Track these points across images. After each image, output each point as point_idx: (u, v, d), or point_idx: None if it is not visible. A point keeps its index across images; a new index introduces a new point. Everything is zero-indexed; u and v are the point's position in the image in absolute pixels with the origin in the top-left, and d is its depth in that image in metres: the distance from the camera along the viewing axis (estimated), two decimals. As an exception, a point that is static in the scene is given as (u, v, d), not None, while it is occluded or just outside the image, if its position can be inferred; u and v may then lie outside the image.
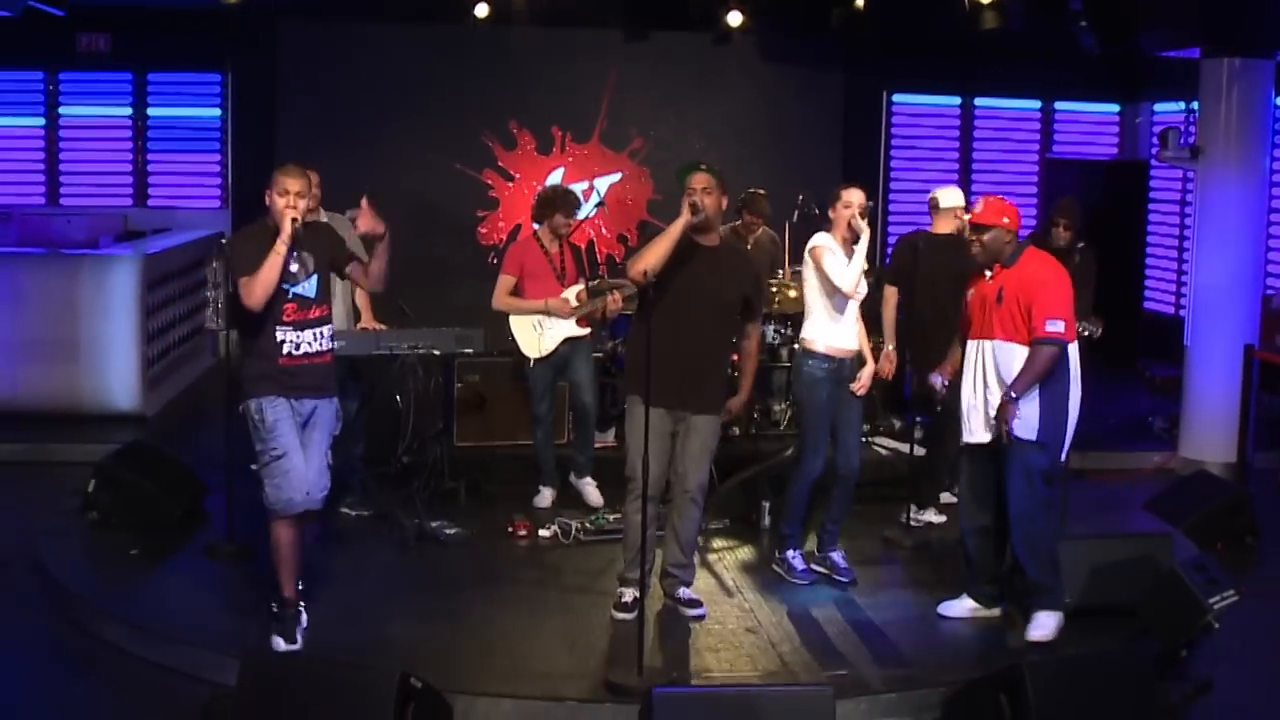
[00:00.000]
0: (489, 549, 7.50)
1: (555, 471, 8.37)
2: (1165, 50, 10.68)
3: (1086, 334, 7.37)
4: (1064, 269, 6.32)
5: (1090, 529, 7.71)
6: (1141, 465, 10.03)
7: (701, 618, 6.45)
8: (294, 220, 5.71)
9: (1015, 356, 6.13)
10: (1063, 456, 6.35)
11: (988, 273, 6.27)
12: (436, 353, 7.72)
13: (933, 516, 8.13)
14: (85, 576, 6.87)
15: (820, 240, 6.96)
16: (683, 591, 6.57)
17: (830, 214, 6.98)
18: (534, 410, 8.25)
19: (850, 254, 6.86)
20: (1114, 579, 6.55)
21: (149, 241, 11.56)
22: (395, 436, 8.47)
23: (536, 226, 8.31)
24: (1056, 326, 6.04)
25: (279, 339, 5.83)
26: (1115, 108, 14.58)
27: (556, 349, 8.14)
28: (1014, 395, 6.06)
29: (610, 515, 7.79)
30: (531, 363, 8.13)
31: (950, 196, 8.14)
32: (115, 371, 10.05)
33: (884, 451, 9.11)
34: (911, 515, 7.96)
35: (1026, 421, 6.12)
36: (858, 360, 7.05)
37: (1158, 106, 13.99)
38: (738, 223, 9.68)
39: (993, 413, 6.18)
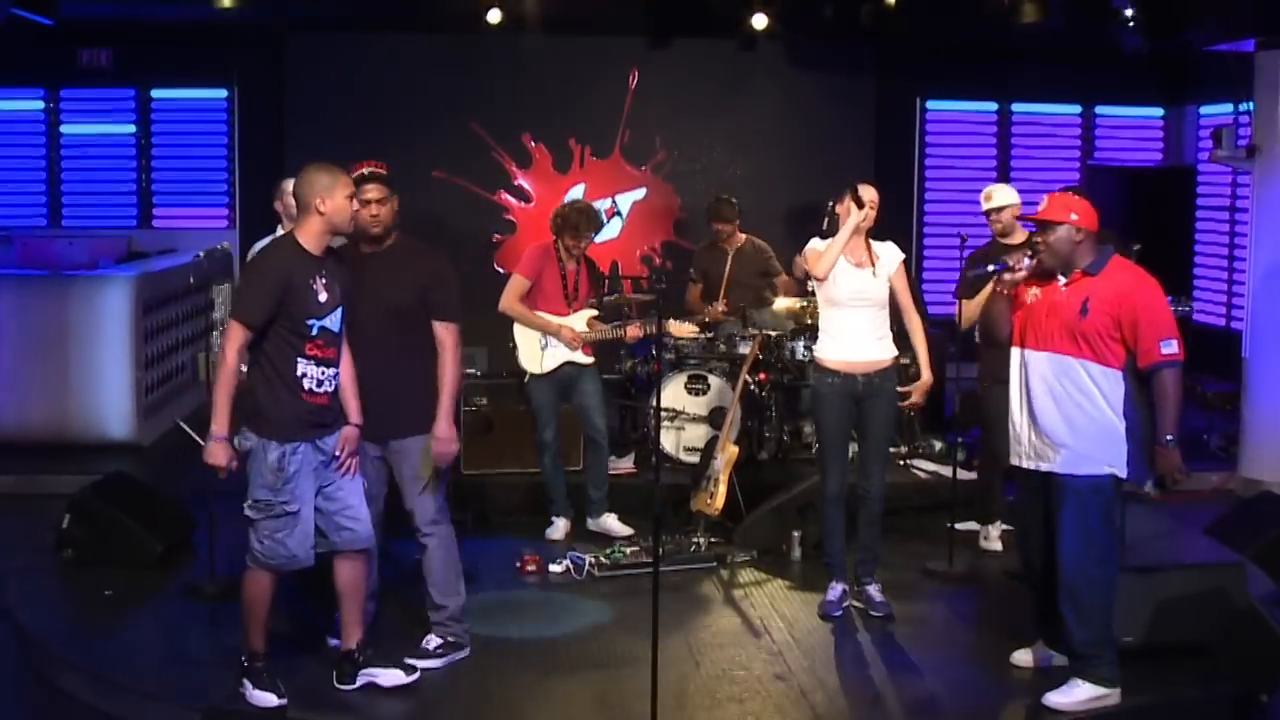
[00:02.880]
0: (495, 587, 6.93)
1: (568, 501, 7.82)
2: (1216, 44, 10.11)
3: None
4: (1157, 281, 5.49)
5: (1152, 558, 7.09)
6: (1199, 486, 9.38)
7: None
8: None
9: (1080, 376, 5.36)
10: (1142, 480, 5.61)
11: (1061, 279, 5.43)
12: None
13: (995, 544, 7.51)
14: (51, 620, 6.33)
15: (809, 245, 6.56)
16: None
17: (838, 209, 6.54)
18: (539, 436, 7.75)
19: (869, 257, 6.43)
20: (1183, 615, 5.91)
21: (147, 262, 11.09)
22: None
23: (556, 239, 7.81)
24: (1171, 347, 5.29)
25: (300, 373, 5.20)
26: (1159, 111, 13.97)
27: (558, 369, 7.69)
28: (1170, 439, 5.32)
29: (628, 548, 7.23)
30: (528, 376, 7.69)
31: (994, 196, 7.53)
32: (108, 398, 9.54)
33: (923, 475, 8.51)
34: (980, 537, 7.53)
35: (1082, 455, 5.36)
36: (887, 375, 6.46)
37: (1204, 109, 13.40)
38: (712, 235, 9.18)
39: (1038, 436, 5.45)
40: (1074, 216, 5.37)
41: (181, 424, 7.39)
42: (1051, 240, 5.40)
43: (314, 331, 5.17)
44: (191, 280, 7.94)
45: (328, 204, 5.20)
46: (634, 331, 7.90)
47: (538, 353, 7.67)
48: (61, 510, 7.28)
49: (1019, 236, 7.35)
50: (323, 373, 5.24)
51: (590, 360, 7.79)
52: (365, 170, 5.63)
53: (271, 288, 5.10)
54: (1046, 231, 5.40)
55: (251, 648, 5.36)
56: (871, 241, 6.49)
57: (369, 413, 5.48)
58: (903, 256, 6.55)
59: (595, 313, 7.83)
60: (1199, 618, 5.85)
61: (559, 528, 7.77)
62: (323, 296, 5.19)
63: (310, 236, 5.22)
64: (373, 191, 5.57)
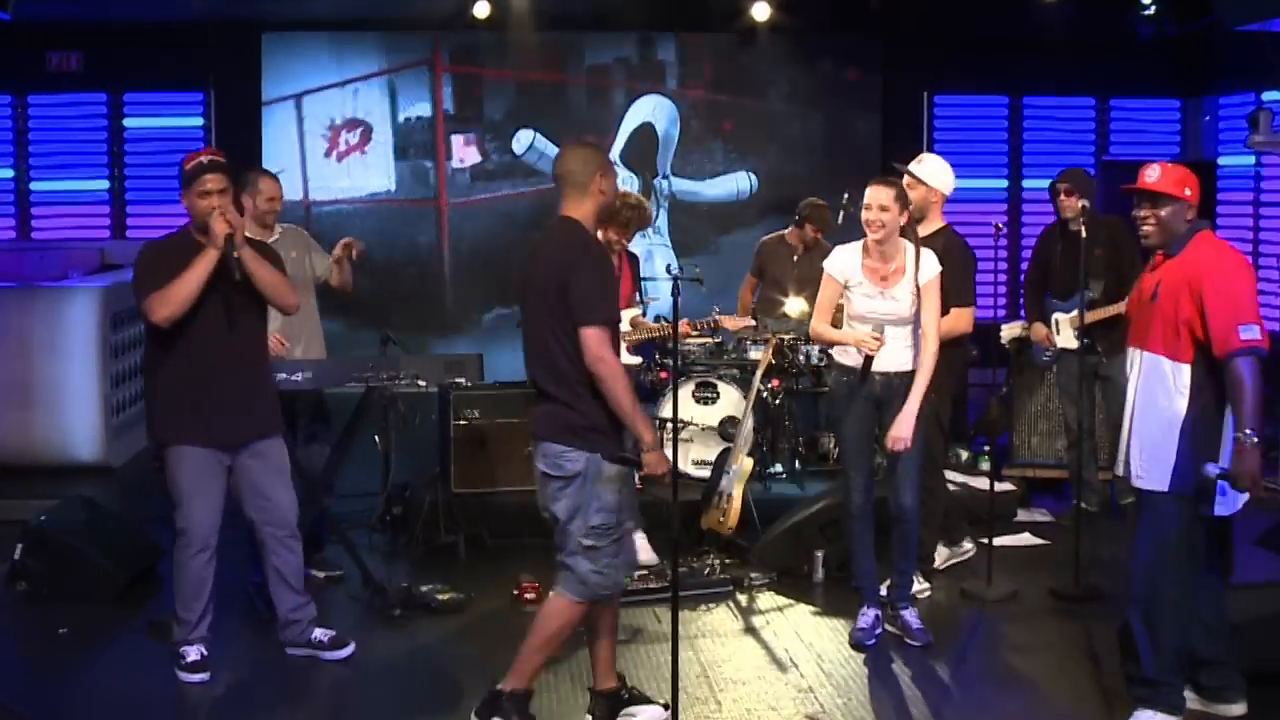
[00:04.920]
0: (490, 617, 6.30)
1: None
2: (1247, 23, 9.55)
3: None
4: (1245, 257, 4.90)
5: (1250, 574, 6.39)
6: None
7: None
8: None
9: (1164, 377, 4.77)
10: (1230, 505, 4.74)
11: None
12: (422, 384, 6.56)
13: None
14: (-1, 663, 5.72)
15: (829, 263, 5.98)
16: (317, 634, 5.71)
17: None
18: None
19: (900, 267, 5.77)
20: (1253, 637, 5.27)
21: (118, 274, 10.48)
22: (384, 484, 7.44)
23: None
24: (1251, 333, 4.60)
25: None
26: (1176, 103, 13.45)
27: None
28: (1252, 435, 4.54)
29: (634, 572, 6.61)
30: None
31: (921, 164, 6.59)
32: (74, 417, 8.93)
33: (952, 487, 7.89)
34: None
35: (1158, 466, 4.76)
36: (910, 377, 5.82)
37: (1223, 100, 12.88)
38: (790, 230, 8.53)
39: (1129, 445, 4.87)
40: (1188, 192, 4.80)
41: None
42: (1164, 215, 4.81)
43: (624, 324, 4.69)
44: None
45: (604, 184, 4.65)
46: (685, 328, 7.34)
47: None
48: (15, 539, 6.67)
49: (932, 225, 6.44)
50: None
51: (637, 360, 7.20)
52: (204, 159, 5.31)
53: (610, 281, 4.56)
54: (1159, 205, 4.82)
55: (526, 685, 4.84)
56: (908, 246, 5.80)
57: (228, 415, 5.33)
58: (937, 271, 5.79)
59: (638, 311, 7.20)
60: (1270, 640, 5.27)
61: (561, 550, 7.17)
62: None
63: (593, 221, 4.65)
64: (213, 182, 5.23)
